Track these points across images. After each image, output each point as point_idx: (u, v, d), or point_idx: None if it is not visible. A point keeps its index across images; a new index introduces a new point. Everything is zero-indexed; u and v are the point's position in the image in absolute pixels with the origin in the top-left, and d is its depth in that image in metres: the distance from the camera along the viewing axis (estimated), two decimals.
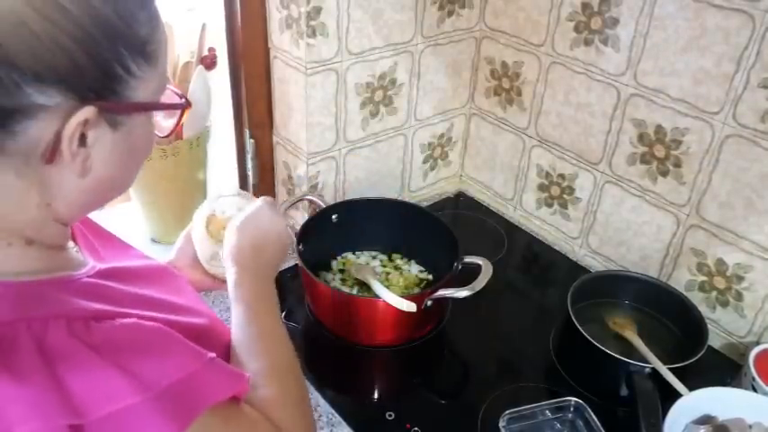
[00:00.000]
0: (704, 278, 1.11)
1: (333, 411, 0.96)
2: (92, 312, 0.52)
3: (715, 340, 1.11)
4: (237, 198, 0.85)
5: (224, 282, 0.86)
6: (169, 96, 0.60)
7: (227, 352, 0.68)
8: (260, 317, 0.70)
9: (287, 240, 0.79)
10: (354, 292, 1.15)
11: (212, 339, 0.65)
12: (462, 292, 1.00)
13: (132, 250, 0.72)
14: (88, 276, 0.57)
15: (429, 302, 1.02)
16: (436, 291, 1.02)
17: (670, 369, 0.94)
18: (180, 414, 0.51)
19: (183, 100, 0.60)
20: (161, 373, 0.51)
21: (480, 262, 1.05)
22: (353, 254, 1.26)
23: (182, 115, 0.61)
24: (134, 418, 0.50)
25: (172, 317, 0.60)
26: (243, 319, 0.69)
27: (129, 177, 0.58)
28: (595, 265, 1.29)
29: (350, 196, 1.32)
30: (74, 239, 0.63)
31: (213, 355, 0.56)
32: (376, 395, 1.06)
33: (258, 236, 0.75)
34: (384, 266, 1.23)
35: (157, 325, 0.54)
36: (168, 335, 0.55)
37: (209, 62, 1.17)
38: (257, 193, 1.34)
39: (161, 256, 1.22)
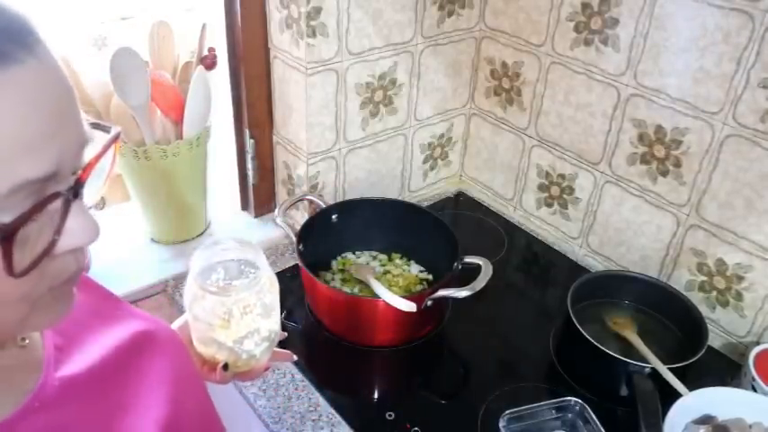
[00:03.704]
0: (704, 278, 1.11)
1: (333, 411, 0.96)
2: None
3: (715, 340, 1.11)
4: (237, 250, 0.67)
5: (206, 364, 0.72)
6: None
7: None
8: None
9: None
10: (354, 292, 1.15)
11: None
12: (462, 292, 1.01)
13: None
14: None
15: (429, 302, 1.02)
16: (436, 291, 1.02)
17: (670, 369, 0.94)
18: None
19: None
20: None
21: (480, 262, 1.05)
22: (353, 254, 1.26)
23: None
24: None
25: None
26: None
27: None
28: (595, 265, 1.29)
29: (350, 196, 1.32)
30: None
31: None
32: (376, 395, 1.06)
33: None
34: (384, 266, 1.23)
35: None
36: None
37: (209, 62, 1.17)
38: (257, 193, 1.35)
39: (160, 255, 1.24)
